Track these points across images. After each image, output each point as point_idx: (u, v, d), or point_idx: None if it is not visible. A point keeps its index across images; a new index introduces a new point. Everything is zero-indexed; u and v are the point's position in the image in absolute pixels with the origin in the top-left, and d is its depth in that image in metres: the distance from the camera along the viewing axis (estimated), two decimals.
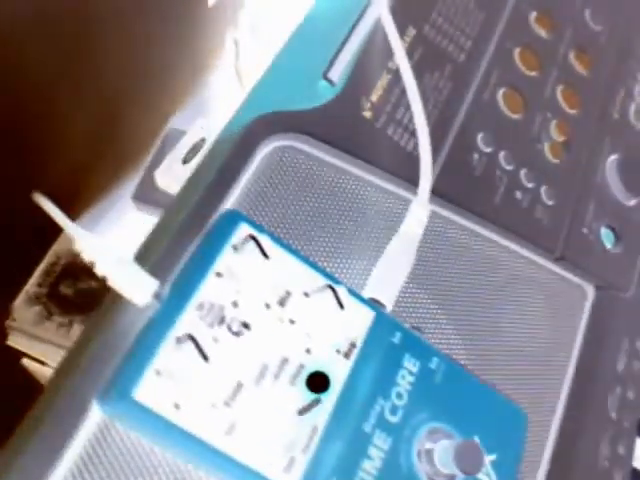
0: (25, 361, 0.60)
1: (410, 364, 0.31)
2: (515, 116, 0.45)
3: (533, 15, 0.49)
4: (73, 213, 0.67)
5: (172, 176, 0.70)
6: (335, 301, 0.29)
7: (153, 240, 0.35)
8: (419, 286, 0.38)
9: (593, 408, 0.42)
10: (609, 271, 0.45)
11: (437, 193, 0.40)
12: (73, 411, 0.28)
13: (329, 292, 0.29)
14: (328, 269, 0.35)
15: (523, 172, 0.44)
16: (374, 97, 0.41)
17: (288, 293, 0.29)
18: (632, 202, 0.48)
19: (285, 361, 0.29)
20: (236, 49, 0.56)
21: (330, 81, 0.41)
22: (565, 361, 0.43)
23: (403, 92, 0.41)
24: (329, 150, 0.39)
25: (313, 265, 0.30)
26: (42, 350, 0.59)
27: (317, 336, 0.29)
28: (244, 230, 0.30)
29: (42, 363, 0.60)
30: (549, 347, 0.43)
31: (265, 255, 0.28)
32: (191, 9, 0.75)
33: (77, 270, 0.62)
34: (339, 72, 0.41)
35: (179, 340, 0.27)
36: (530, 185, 0.44)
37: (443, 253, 0.40)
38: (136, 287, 0.29)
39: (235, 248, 0.29)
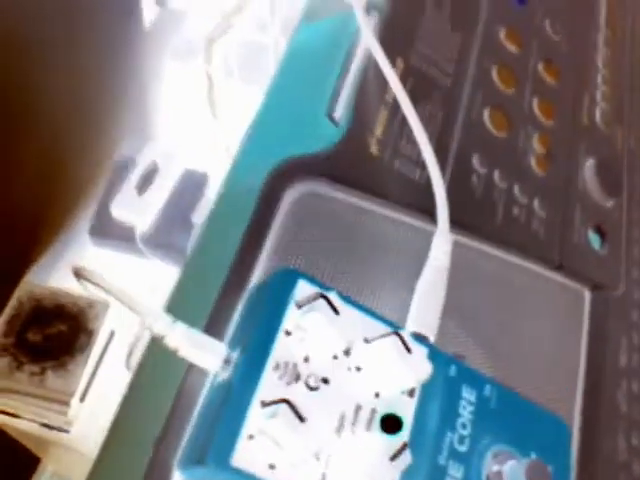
0: None
1: (468, 394, 0.33)
2: (502, 134, 0.47)
3: (502, 32, 0.51)
4: (31, 258, 0.66)
5: (127, 207, 0.69)
6: (402, 345, 0.30)
7: (182, 302, 0.35)
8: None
9: (605, 405, 0.44)
10: (600, 272, 0.48)
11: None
12: None
13: (394, 337, 0.30)
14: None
15: (517, 188, 0.46)
16: (378, 132, 0.42)
17: (353, 342, 0.30)
18: (610, 203, 0.51)
19: (359, 408, 0.30)
20: (209, 82, 0.56)
21: (334, 121, 0.42)
22: (575, 364, 0.45)
23: (401, 124, 0.43)
24: (345, 190, 0.40)
25: (371, 312, 0.32)
26: (14, 402, 0.58)
27: (384, 379, 0.31)
28: (304, 287, 0.31)
29: (14, 416, 0.59)
30: (559, 353, 0.45)
31: (336, 311, 0.29)
32: (126, 34, 0.74)
33: (43, 315, 0.61)
34: (341, 111, 0.42)
35: (266, 403, 0.28)
36: (524, 200, 0.46)
37: (456, 275, 0.42)
38: (207, 355, 0.30)
39: (299, 305, 0.30)
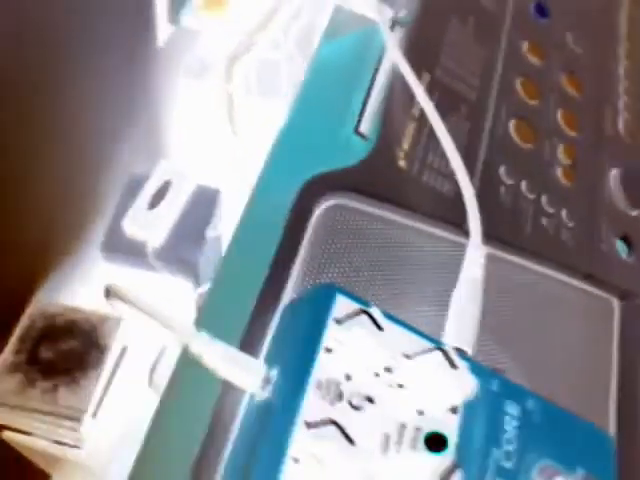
0: (6, 434, 0.58)
1: (511, 409, 0.32)
2: (528, 146, 0.47)
3: (525, 45, 0.51)
4: (41, 276, 0.65)
5: (139, 222, 0.69)
6: (447, 361, 0.30)
7: (213, 318, 0.35)
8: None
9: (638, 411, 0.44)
10: (628, 280, 0.48)
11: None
12: None
13: (438, 353, 0.30)
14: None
15: (544, 199, 0.46)
16: (405, 146, 0.42)
17: (395, 359, 0.30)
18: (635, 212, 0.51)
19: (403, 427, 0.30)
20: (230, 101, 0.56)
21: (362, 136, 0.42)
22: (607, 372, 0.45)
23: (428, 137, 0.43)
24: (375, 204, 0.40)
25: (412, 328, 0.31)
26: (26, 420, 0.57)
27: (428, 396, 0.30)
28: (342, 302, 0.30)
29: (26, 433, 0.58)
30: (590, 362, 0.45)
31: (379, 327, 0.29)
32: (141, 53, 0.75)
33: (55, 331, 0.61)
34: (369, 125, 0.42)
35: (311, 425, 0.27)
36: (552, 210, 0.46)
37: (486, 287, 0.42)
38: (247, 374, 0.30)
39: (339, 322, 0.30)
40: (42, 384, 0.56)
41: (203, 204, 0.72)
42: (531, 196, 0.45)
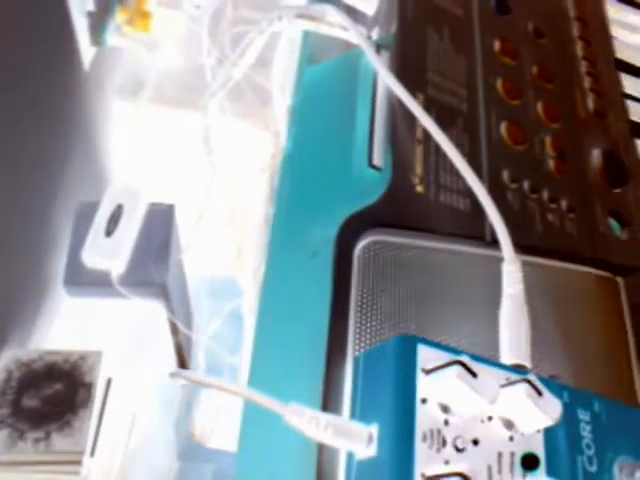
0: None
1: (583, 415, 0.35)
2: (521, 146, 0.49)
3: (497, 45, 0.53)
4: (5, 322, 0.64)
5: (99, 251, 0.68)
6: (534, 390, 0.32)
7: (278, 374, 0.36)
8: None
9: None
10: (627, 257, 0.51)
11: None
12: None
13: (524, 384, 0.32)
14: (445, 339, 0.38)
15: (545, 195, 0.48)
16: (418, 171, 0.43)
17: (488, 398, 0.32)
18: (618, 190, 0.54)
19: (500, 455, 0.32)
20: (206, 135, 0.56)
21: (377, 168, 0.43)
22: (626, 349, 0.48)
23: (436, 157, 0.44)
24: (404, 233, 0.41)
25: (493, 363, 0.33)
26: (21, 475, 0.56)
27: (517, 424, 0.32)
28: (425, 352, 0.32)
29: None
30: (612, 340, 0.48)
31: (473, 374, 0.31)
32: (67, 79, 0.74)
33: (35, 378, 0.60)
34: (380, 156, 0.43)
35: (430, 478, 0.29)
36: (554, 205, 0.48)
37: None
38: (351, 440, 0.31)
39: (426, 371, 0.31)
40: (32, 434, 0.55)
41: (159, 222, 0.71)
42: (534, 195, 0.47)
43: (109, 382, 0.60)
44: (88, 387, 0.58)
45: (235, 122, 0.68)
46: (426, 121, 0.43)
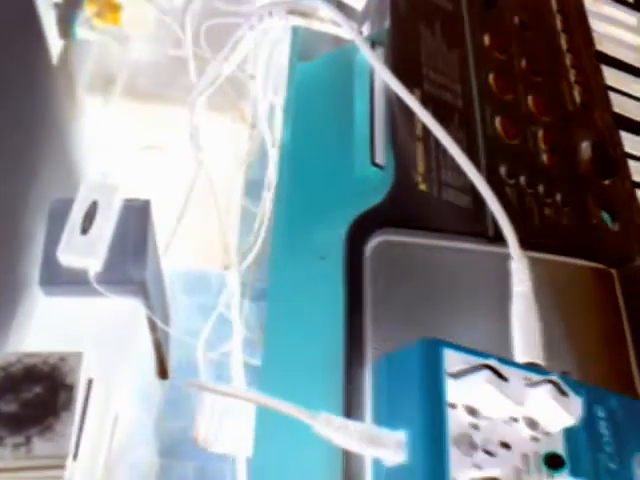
0: None
1: (600, 412, 0.35)
2: (515, 141, 0.49)
3: (487, 39, 0.53)
4: None
5: (75, 250, 0.66)
6: (558, 391, 0.32)
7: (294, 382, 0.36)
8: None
9: None
10: (619, 248, 0.52)
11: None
12: None
13: (549, 385, 0.32)
14: (457, 337, 0.38)
15: (541, 189, 0.48)
16: (421, 169, 0.43)
17: (516, 400, 0.32)
18: (608, 181, 0.54)
19: (526, 457, 0.32)
20: (193, 132, 0.55)
21: (379, 166, 0.42)
22: (623, 339, 0.49)
23: (436, 155, 0.44)
24: (412, 232, 0.41)
25: (517, 365, 0.33)
26: None
27: (540, 424, 0.32)
28: (451, 356, 0.32)
29: None
30: (609, 332, 0.48)
31: (503, 378, 0.30)
32: (35, 70, 0.72)
33: (14, 382, 0.58)
34: (382, 154, 0.43)
35: None
36: (550, 199, 0.48)
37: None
38: (384, 448, 0.30)
39: (454, 376, 0.31)
40: (12, 440, 0.53)
41: (135, 218, 0.70)
42: (531, 190, 0.48)
43: (90, 383, 0.58)
44: (69, 389, 0.56)
45: (211, 115, 0.66)
46: (425, 117, 0.43)
